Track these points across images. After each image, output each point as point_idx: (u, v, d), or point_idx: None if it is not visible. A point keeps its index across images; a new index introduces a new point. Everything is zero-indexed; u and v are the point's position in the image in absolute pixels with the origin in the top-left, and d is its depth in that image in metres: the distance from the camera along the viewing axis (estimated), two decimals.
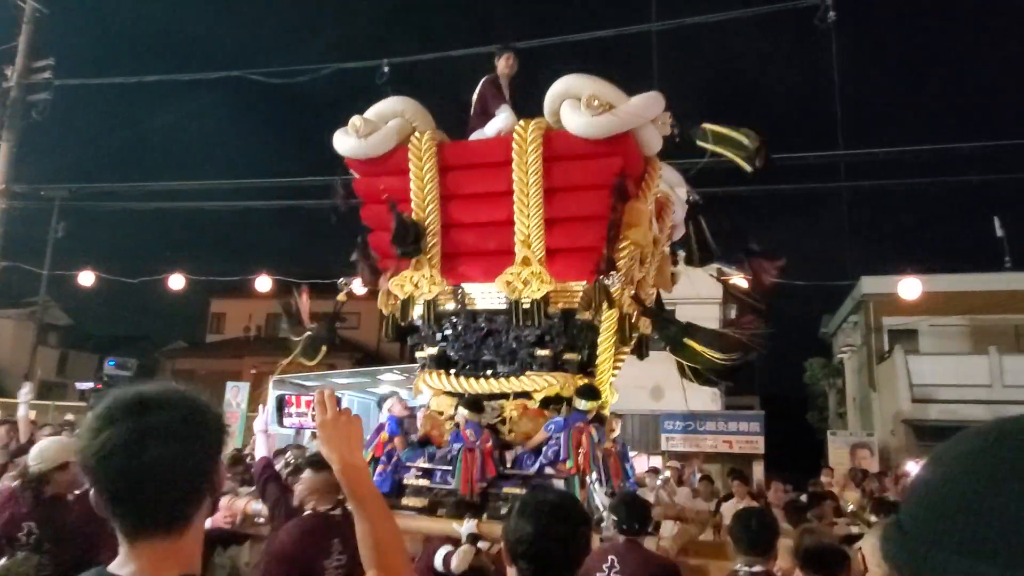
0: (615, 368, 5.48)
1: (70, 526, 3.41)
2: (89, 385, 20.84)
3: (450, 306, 5.35)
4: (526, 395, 5.07)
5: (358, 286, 5.87)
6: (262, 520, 4.70)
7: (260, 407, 7.81)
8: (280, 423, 12.47)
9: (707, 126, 5.01)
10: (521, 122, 5.06)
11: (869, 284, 18.41)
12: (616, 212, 4.88)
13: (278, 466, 5.08)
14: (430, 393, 5.36)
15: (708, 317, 19.26)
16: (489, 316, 5.24)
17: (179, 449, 1.12)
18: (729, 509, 9.27)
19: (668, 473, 9.25)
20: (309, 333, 5.86)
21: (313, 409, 1.53)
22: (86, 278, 16.73)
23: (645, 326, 5.70)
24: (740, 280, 5.57)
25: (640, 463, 12.33)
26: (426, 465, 5.03)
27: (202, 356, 27.55)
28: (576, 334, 5.18)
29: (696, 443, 17.64)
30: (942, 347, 18.29)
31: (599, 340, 5.12)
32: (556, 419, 4.82)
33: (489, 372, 5.26)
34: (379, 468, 5.10)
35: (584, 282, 5.02)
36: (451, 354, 5.37)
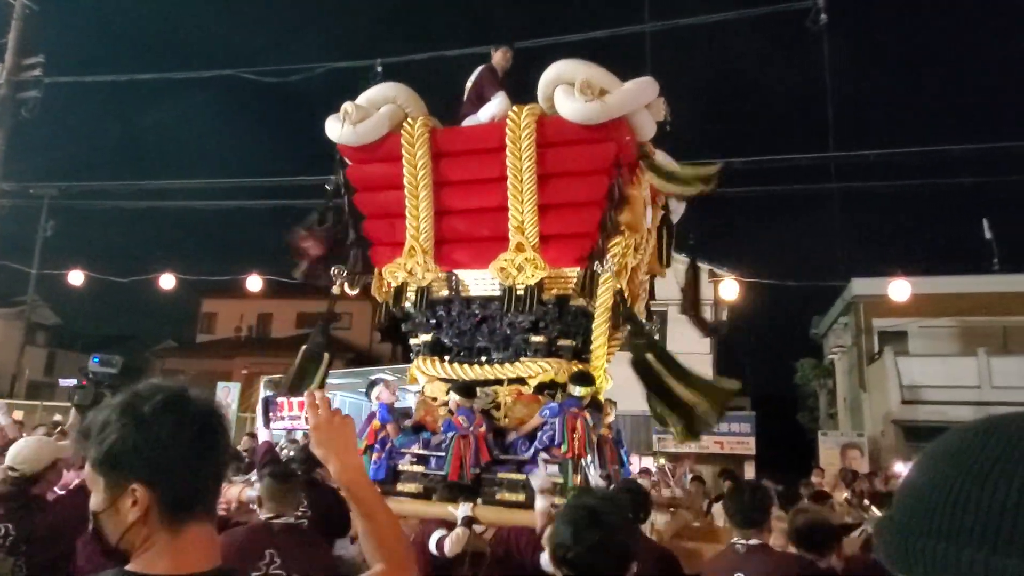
0: (610, 354, 5.48)
1: (48, 528, 3.35)
2: (72, 382, 20.69)
3: (444, 293, 5.34)
4: (520, 381, 5.06)
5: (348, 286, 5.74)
6: (256, 507, 4.67)
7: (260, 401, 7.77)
8: (267, 425, 12.37)
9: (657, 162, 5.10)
10: (515, 108, 5.06)
11: (859, 286, 18.52)
12: (611, 205, 4.88)
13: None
14: (424, 380, 5.34)
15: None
16: (483, 302, 5.23)
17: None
18: (720, 510, 9.32)
19: (663, 461, 9.27)
20: (305, 347, 5.64)
21: (305, 411, 1.54)
22: (75, 277, 16.63)
23: (640, 312, 5.70)
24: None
25: (632, 464, 12.35)
26: (420, 451, 5.00)
27: (192, 356, 27.39)
28: (570, 320, 5.18)
29: (687, 443, 17.68)
30: (932, 348, 18.41)
31: (593, 326, 5.11)
32: (551, 404, 4.81)
33: (483, 358, 5.24)
34: (374, 456, 5.07)
35: (578, 268, 5.02)
36: (445, 341, 5.36)
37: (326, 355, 5.63)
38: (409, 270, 5.29)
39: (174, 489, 1.20)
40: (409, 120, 5.27)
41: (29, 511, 3.38)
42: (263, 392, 15.64)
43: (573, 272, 5.05)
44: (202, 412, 1.26)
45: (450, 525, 4.26)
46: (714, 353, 19.83)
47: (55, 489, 3.75)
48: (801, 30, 12.45)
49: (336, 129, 5.30)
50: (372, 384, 5.26)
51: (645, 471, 10.73)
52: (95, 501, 1.21)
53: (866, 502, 7.24)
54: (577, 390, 4.82)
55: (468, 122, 5.45)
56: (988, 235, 19.03)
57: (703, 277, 18.84)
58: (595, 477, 4.65)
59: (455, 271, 5.31)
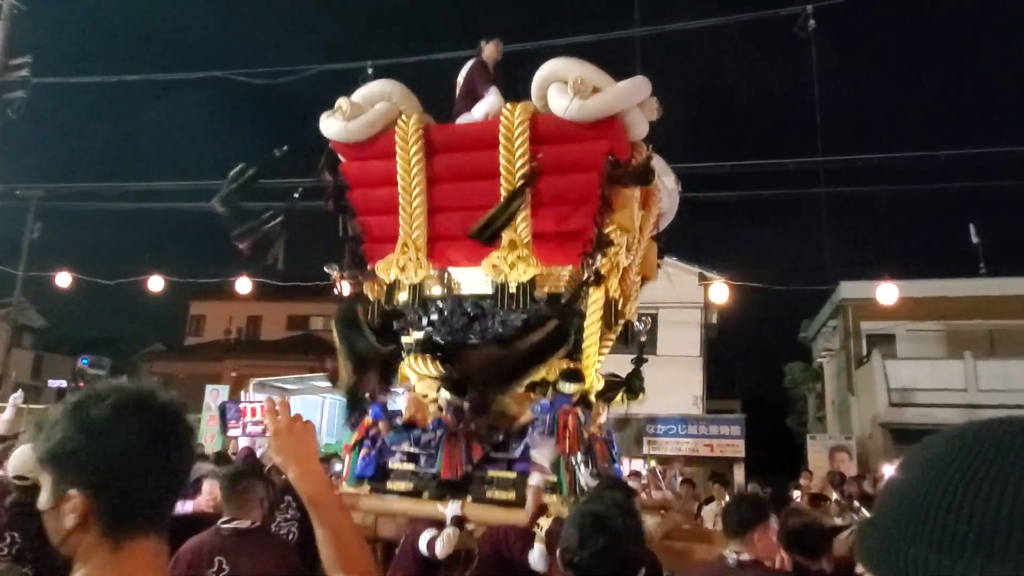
0: (601, 353, 5.48)
1: None
2: (63, 384, 20.49)
3: (436, 290, 5.33)
4: None
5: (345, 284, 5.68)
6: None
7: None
8: (224, 432, 12.18)
9: None
10: (508, 105, 5.07)
11: (848, 289, 18.66)
12: (604, 194, 4.89)
13: None
14: (416, 377, 5.32)
15: (689, 321, 19.41)
16: (475, 300, 5.22)
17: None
18: (710, 512, 9.34)
19: (654, 463, 9.27)
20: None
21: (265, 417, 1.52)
22: (62, 279, 16.49)
23: (632, 312, 5.71)
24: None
25: (622, 465, 12.35)
26: (411, 449, 4.98)
27: (181, 359, 27.19)
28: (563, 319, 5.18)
29: (678, 446, 17.71)
30: (919, 352, 18.55)
31: (585, 325, 5.12)
32: (542, 401, 4.81)
33: None
34: (363, 452, 5.05)
35: (571, 266, 5.02)
36: (437, 338, 5.34)
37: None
38: (402, 267, 5.27)
39: (117, 501, 1.11)
40: (403, 117, 5.26)
41: (34, 518, 3.35)
42: (253, 394, 15.55)
43: (566, 270, 5.06)
44: (160, 419, 1.17)
45: (440, 524, 4.25)
46: (704, 357, 19.90)
47: None
48: (791, 35, 12.56)
49: (330, 125, 5.29)
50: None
51: (635, 474, 10.74)
52: (41, 499, 1.15)
53: (856, 503, 7.27)
54: (567, 387, 4.82)
55: (462, 119, 5.45)
56: (975, 239, 19.23)
57: (694, 280, 18.92)
58: (585, 475, 4.65)
59: (448, 268, 5.31)
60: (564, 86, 4.83)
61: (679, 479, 10.62)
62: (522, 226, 5.01)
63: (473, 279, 5.26)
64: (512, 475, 4.72)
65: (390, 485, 4.92)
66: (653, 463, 9.37)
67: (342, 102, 5.21)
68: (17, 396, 6.60)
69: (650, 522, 4.81)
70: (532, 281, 4.97)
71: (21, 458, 3.46)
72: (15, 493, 3.39)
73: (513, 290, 4.96)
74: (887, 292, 13.45)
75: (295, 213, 6.13)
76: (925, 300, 17.01)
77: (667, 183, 6.07)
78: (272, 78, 15.37)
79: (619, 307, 5.51)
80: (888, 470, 11.68)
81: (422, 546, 4.18)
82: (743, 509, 3.10)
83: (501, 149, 4.97)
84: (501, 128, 4.98)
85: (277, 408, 1.47)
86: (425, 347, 5.31)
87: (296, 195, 5.89)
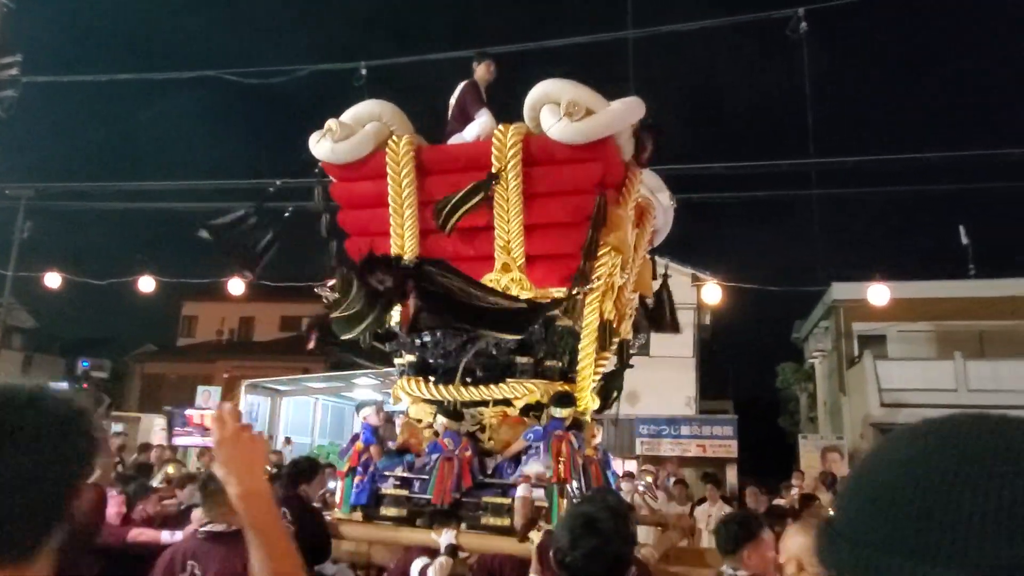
0: (596, 374, 5.46)
1: None
2: (64, 386, 20.33)
3: None
4: (506, 403, 5.03)
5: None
6: None
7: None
8: (169, 441, 11.86)
9: None
10: (500, 127, 5.03)
11: (839, 290, 18.71)
12: (595, 231, 4.85)
13: None
14: (408, 400, 5.29)
15: (683, 322, 19.40)
16: None
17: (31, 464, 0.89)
18: (703, 512, 9.38)
19: (650, 479, 9.27)
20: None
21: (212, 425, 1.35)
22: (52, 279, 16.36)
23: (626, 331, 5.70)
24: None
25: (615, 467, 12.39)
26: (404, 474, 4.96)
27: (173, 360, 27.08)
28: (556, 340, 5.15)
29: (670, 447, 17.76)
30: (910, 352, 18.66)
31: (580, 346, 5.10)
32: (535, 427, 4.78)
33: (469, 379, 5.20)
34: (356, 479, 5.02)
35: (564, 288, 5.00)
36: (430, 361, 5.31)
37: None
38: None
39: None
40: (394, 138, 5.22)
41: None
42: (244, 395, 15.49)
43: (559, 292, 5.03)
44: (35, 429, 0.92)
45: (433, 552, 4.23)
46: (697, 358, 19.94)
47: None
48: (783, 37, 12.56)
49: (320, 147, 5.24)
50: (361, 406, 5.20)
51: (628, 475, 10.74)
52: None
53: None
54: (558, 411, 4.79)
55: (453, 140, 5.41)
56: (965, 241, 19.32)
57: (687, 281, 18.97)
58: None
59: None
60: (556, 108, 4.80)
61: (672, 480, 10.66)
62: (516, 248, 4.99)
63: None
64: (507, 501, 4.69)
65: (383, 511, 4.89)
66: (649, 479, 9.36)
67: (332, 123, 5.16)
68: None
69: (647, 545, 4.79)
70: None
71: None
72: None
73: None
74: (878, 293, 13.52)
75: (288, 215, 6.08)
76: (916, 301, 17.11)
77: (662, 200, 6.06)
78: (265, 78, 15.24)
79: (614, 327, 5.50)
80: None
81: (414, 575, 4.16)
82: (731, 528, 3.14)
83: (493, 171, 4.93)
84: (493, 149, 4.95)
85: (226, 417, 1.32)
86: (418, 370, 5.28)
87: (271, 190, 5.75)
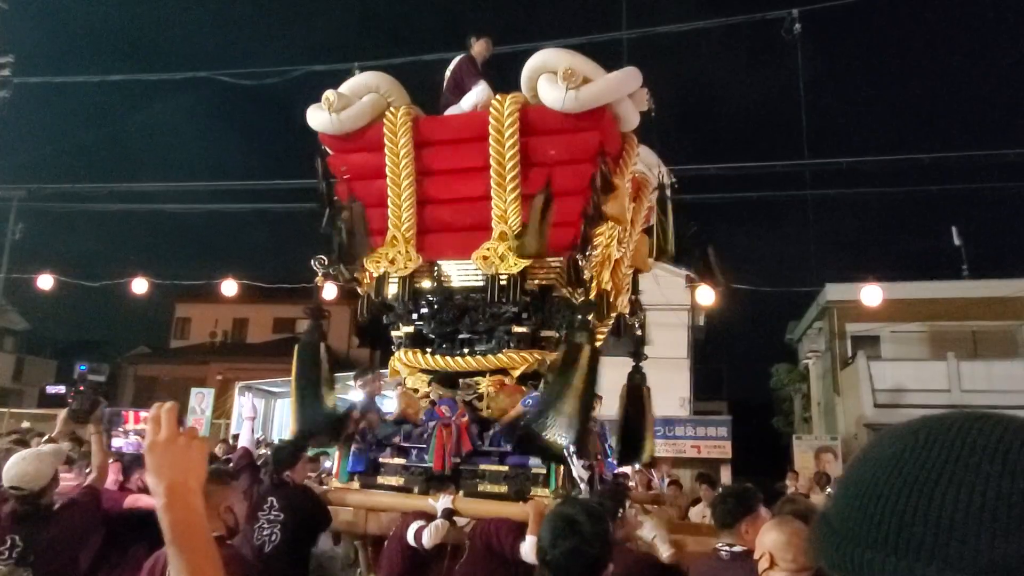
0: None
1: (54, 538, 3.42)
2: (61, 389, 20.10)
3: (426, 283, 5.28)
4: (503, 372, 5.02)
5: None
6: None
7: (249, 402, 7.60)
8: (108, 445, 11.51)
9: None
10: (498, 96, 5.04)
11: (833, 291, 18.80)
12: (595, 194, 4.85)
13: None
14: (406, 371, 5.27)
15: (676, 323, 19.46)
16: (465, 293, 5.18)
17: None
18: (697, 513, 9.34)
19: (638, 464, 9.23)
20: (298, 344, 5.17)
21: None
22: (44, 281, 16.27)
23: (623, 305, 5.69)
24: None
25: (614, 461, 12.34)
26: (402, 443, 4.93)
27: (166, 362, 26.92)
28: (554, 311, 5.15)
29: (665, 448, 17.74)
30: (903, 353, 18.74)
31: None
32: (532, 394, 4.77)
33: (466, 350, 5.19)
34: (353, 447, 4.99)
35: (561, 258, 5.00)
36: (427, 332, 5.30)
37: (323, 348, 5.14)
38: (391, 260, 5.22)
39: None
40: (392, 108, 5.22)
41: (36, 522, 3.42)
42: (238, 397, 15.36)
43: (557, 262, 5.03)
44: None
45: (430, 517, 4.21)
46: (691, 359, 19.96)
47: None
48: (777, 39, 12.68)
49: (317, 117, 5.24)
50: (354, 407, 5.14)
51: (623, 474, 10.66)
52: None
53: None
54: None
55: (450, 111, 5.42)
56: (957, 242, 19.46)
57: (680, 282, 18.98)
58: (577, 467, 4.61)
59: (438, 261, 5.26)
60: (554, 77, 4.80)
61: (666, 481, 10.63)
62: (512, 217, 4.98)
63: (463, 272, 5.22)
64: (504, 468, 4.68)
65: (381, 480, 4.87)
66: (638, 465, 9.33)
67: (329, 94, 5.16)
68: None
69: (661, 544, 4.49)
70: (523, 273, 4.94)
71: (16, 468, 3.46)
72: (12, 501, 3.43)
73: (504, 282, 4.93)
74: (872, 294, 13.59)
75: (282, 216, 6.04)
76: (909, 302, 17.20)
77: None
78: (259, 79, 15.31)
79: (611, 299, 5.49)
80: None
81: (410, 536, 4.14)
82: (729, 502, 3.15)
83: (491, 140, 4.94)
84: (491, 119, 4.95)
85: (162, 416, 1.20)
86: (415, 341, 5.27)
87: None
